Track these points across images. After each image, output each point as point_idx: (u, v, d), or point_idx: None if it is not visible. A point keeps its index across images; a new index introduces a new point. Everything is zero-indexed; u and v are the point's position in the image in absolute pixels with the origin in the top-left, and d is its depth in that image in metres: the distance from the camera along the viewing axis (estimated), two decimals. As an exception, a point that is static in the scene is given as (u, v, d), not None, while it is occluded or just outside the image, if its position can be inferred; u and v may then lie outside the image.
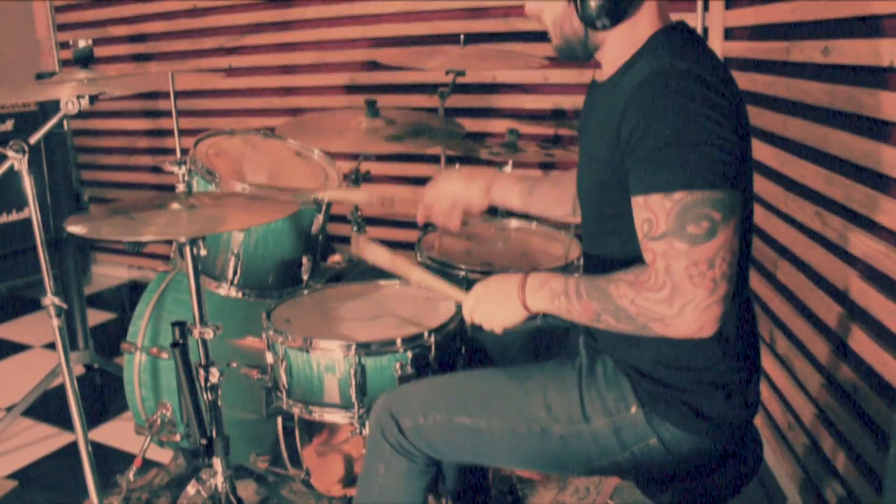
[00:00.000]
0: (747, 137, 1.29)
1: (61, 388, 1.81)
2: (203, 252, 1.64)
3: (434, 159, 3.22)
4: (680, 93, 1.19)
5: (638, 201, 1.23)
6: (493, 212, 3.07)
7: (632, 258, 1.28)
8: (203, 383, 1.71)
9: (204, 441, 1.71)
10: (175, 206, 1.63)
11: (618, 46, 1.34)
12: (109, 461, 2.51)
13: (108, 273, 4.40)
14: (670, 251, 1.19)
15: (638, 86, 1.23)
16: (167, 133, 4.03)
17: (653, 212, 1.20)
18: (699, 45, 1.30)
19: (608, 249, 1.39)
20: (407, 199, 1.81)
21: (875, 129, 1.65)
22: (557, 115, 3.07)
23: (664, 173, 1.19)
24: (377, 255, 1.64)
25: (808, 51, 1.95)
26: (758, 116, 2.28)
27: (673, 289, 1.18)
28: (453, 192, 1.72)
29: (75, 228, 1.55)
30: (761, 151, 2.28)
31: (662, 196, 1.19)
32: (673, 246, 1.18)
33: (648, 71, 1.23)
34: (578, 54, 1.40)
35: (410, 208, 1.78)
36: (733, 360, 1.36)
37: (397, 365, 1.66)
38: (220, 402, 1.73)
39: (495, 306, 1.42)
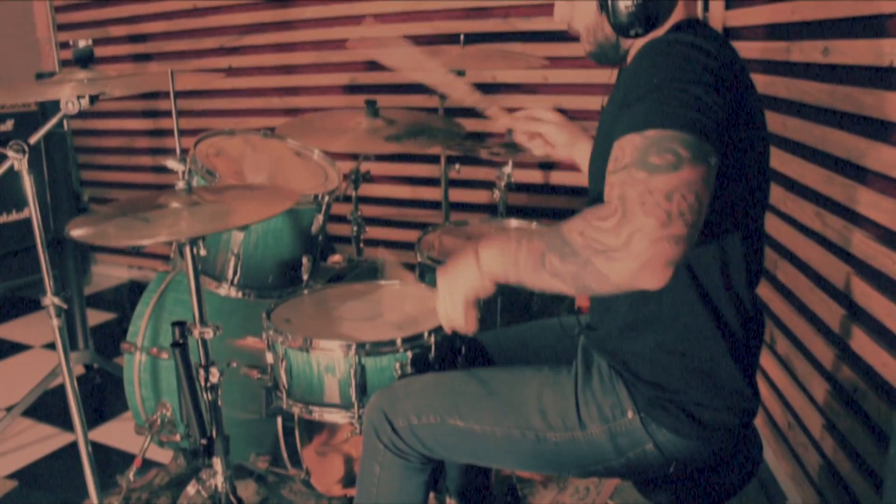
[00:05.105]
0: (749, 124, 1.27)
1: (61, 388, 1.81)
2: (203, 252, 1.64)
3: (434, 159, 3.22)
4: (676, 55, 1.19)
5: (614, 147, 1.17)
6: (492, 212, 3.07)
7: None
8: (203, 383, 1.71)
9: (204, 441, 1.70)
10: (175, 204, 1.63)
11: (645, 41, 1.35)
12: (109, 461, 2.51)
13: (108, 273, 4.41)
14: (628, 179, 1.11)
15: (640, 51, 1.25)
16: (167, 133, 4.03)
17: (622, 149, 1.14)
18: (712, 31, 1.31)
19: None
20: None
21: (875, 128, 1.65)
22: (557, 115, 3.06)
23: (640, 116, 1.14)
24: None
25: (808, 51, 1.95)
26: (758, 116, 2.28)
27: (623, 215, 1.09)
28: (546, 126, 1.72)
29: (78, 232, 1.55)
30: (761, 151, 2.28)
31: (634, 134, 1.13)
32: (631, 174, 1.10)
33: (651, 41, 1.25)
34: (611, 59, 1.41)
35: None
36: (733, 360, 1.35)
37: (397, 365, 1.66)
38: (220, 402, 1.73)
39: (454, 281, 1.31)
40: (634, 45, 1.38)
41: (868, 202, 1.67)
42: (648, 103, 1.15)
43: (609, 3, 1.30)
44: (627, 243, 1.08)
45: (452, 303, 1.32)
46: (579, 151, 1.71)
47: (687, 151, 1.10)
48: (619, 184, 1.11)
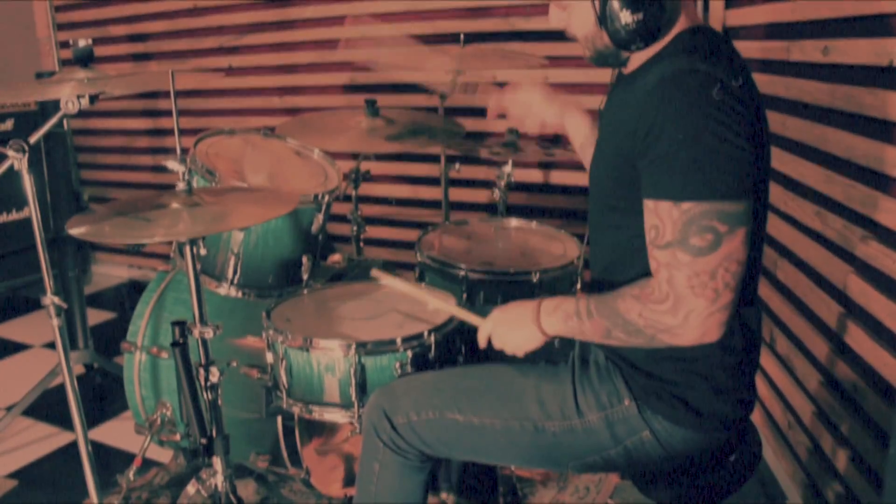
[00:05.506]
0: (765, 143, 1.29)
1: (61, 387, 1.81)
2: (203, 251, 1.64)
3: (434, 158, 3.22)
4: (696, 96, 1.19)
5: (648, 205, 1.25)
6: (492, 211, 3.07)
7: (637, 252, 1.29)
8: (203, 383, 1.71)
9: (204, 440, 1.70)
10: (175, 204, 1.63)
11: (648, 50, 1.35)
12: (109, 461, 2.51)
13: (108, 273, 4.40)
14: (673, 262, 1.21)
15: (655, 85, 1.24)
16: (167, 132, 4.03)
17: (661, 219, 1.23)
18: (721, 47, 1.29)
19: (614, 242, 1.40)
20: (489, 90, 1.81)
21: (875, 128, 1.65)
22: (557, 115, 3.06)
23: (675, 180, 1.20)
24: (395, 285, 1.72)
25: (808, 50, 1.95)
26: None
27: (676, 299, 1.22)
28: (531, 102, 1.72)
29: (77, 230, 1.55)
30: (761, 151, 2.28)
31: (671, 204, 1.21)
32: (676, 257, 1.21)
33: (667, 71, 1.24)
34: (612, 64, 1.42)
35: (489, 96, 1.77)
36: (727, 356, 1.35)
37: (397, 364, 1.66)
38: (220, 402, 1.73)
39: (513, 332, 1.44)
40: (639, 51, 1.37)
41: (868, 202, 1.67)
42: (679, 166, 1.19)
43: (608, 19, 1.28)
44: (686, 320, 1.22)
45: (510, 349, 1.46)
46: (571, 123, 1.72)
47: (725, 225, 1.19)
48: (665, 265, 1.23)
